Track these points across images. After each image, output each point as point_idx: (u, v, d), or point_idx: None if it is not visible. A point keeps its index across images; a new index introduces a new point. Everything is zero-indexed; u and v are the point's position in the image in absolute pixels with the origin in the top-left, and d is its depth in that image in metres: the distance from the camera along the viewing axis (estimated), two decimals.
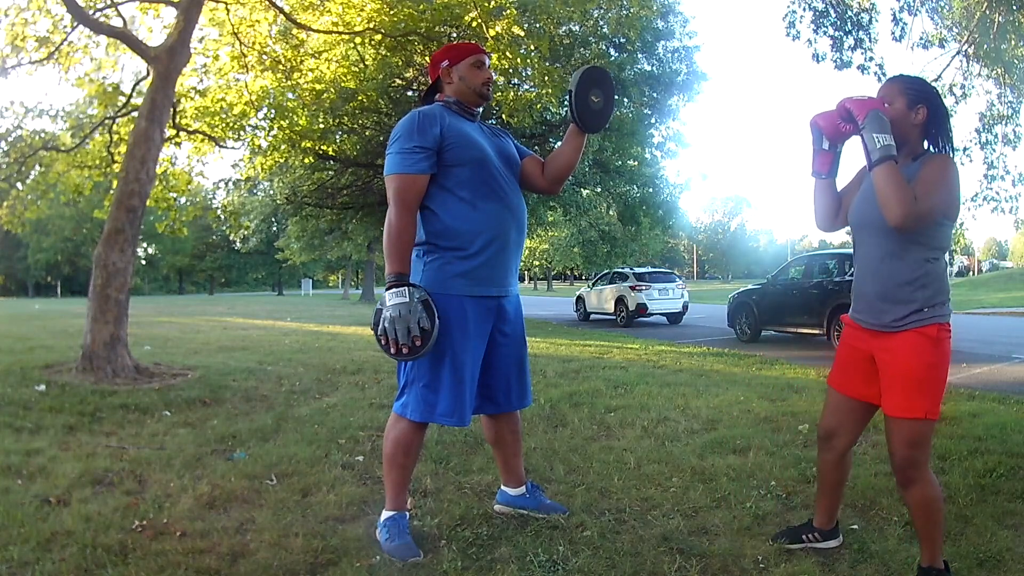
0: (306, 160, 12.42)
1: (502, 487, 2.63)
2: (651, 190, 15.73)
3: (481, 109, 2.48)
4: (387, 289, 2.14)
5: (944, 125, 1.97)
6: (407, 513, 2.34)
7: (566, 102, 2.39)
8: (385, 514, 2.30)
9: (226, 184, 16.74)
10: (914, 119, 1.95)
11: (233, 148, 11.00)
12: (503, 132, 2.57)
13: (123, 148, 7.97)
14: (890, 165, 1.82)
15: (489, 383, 2.39)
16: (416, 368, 2.25)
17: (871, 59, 6.94)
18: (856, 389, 2.08)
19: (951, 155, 1.96)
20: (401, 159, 2.21)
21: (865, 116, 1.87)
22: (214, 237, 57.09)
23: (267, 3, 8.39)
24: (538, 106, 9.61)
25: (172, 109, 7.47)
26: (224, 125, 9.41)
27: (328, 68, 10.74)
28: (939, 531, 1.97)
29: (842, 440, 2.15)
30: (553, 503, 2.61)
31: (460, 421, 2.25)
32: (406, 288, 2.12)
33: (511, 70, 8.31)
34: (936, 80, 7.36)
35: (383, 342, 2.13)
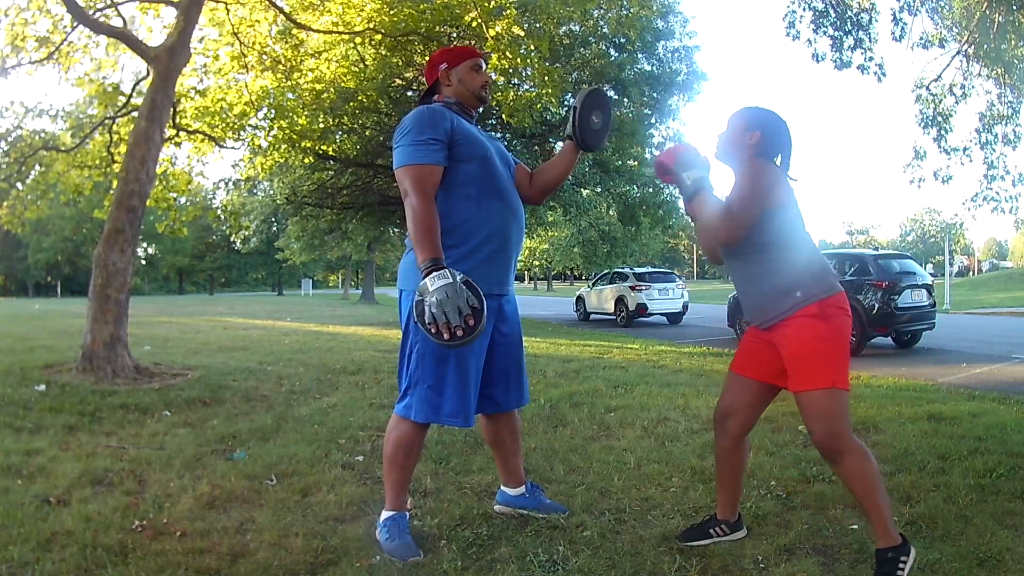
0: (306, 160, 12.41)
1: (502, 487, 2.63)
2: (651, 190, 15.70)
3: (479, 112, 2.50)
4: (425, 276, 2.05)
5: (778, 147, 2.19)
6: (407, 513, 2.34)
7: (569, 119, 2.41)
8: (385, 514, 2.30)
9: (226, 184, 16.72)
10: (749, 140, 2.17)
11: (233, 148, 11.01)
12: (494, 137, 2.60)
13: (123, 148, 7.97)
14: (700, 196, 2.11)
15: (489, 383, 2.39)
16: (420, 369, 2.24)
17: (871, 59, 6.94)
18: (754, 370, 2.21)
19: (784, 169, 2.18)
20: (415, 150, 2.19)
21: (674, 162, 2.17)
22: (214, 237, 57.09)
23: (267, 3, 8.38)
24: (538, 106, 9.60)
25: (172, 109, 7.47)
26: (224, 125, 9.40)
27: (328, 68, 10.73)
28: (884, 503, 1.97)
29: (737, 422, 2.23)
30: (553, 503, 2.61)
31: (465, 422, 2.25)
32: (447, 270, 2.04)
33: (511, 70, 8.30)
34: (936, 80, 7.36)
35: (433, 330, 2.02)
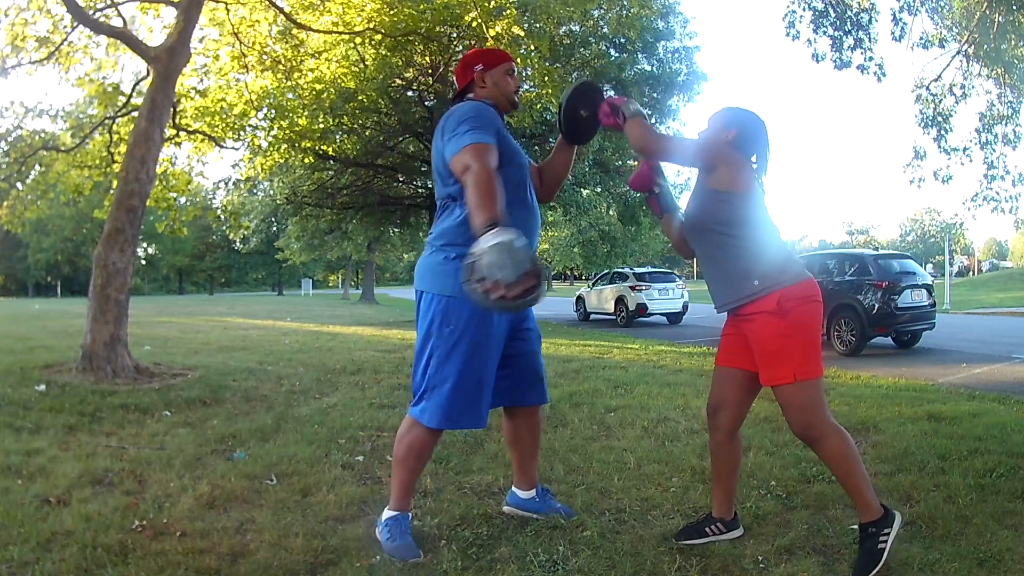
0: (306, 160, 12.42)
1: (513, 488, 2.61)
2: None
3: (508, 116, 2.52)
4: (481, 235, 1.85)
5: (754, 146, 2.26)
6: (409, 514, 2.34)
7: (558, 116, 2.48)
8: (387, 513, 2.30)
9: (226, 184, 16.72)
10: (725, 138, 2.24)
11: (233, 148, 10.99)
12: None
13: (123, 148, 7.97)
14: (636, 118, 2.25)
15: (506, 376, 2.38)
16: (440, 375, 2.22)
17: (871, 59, 6.94)
18: (736, 360, 2.25)
19: (760, 174, 2.25)
20: (479, 133, 2.11)
21: (623, 102, 2.31)
22: (214, 237, 57.08)
23: (267, 3, 8.39)
24: (538, 106, 9.62)
25: (172, 109, 7.47)
26: (224, 125, 9.41)
27: (328, 68, 10.74)
28: (863, 479, 2.06)
29: (728, 414, 2.26)
30: (563, 507, 2.58)
31: (477, 423, 2.26)
32: (505, 228, 1.84)
33: None
34: (936, 80, 7.36)
35: (486, 287, 1.76)
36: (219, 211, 20.62)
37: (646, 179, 2.48)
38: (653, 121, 15.32)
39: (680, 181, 17.44)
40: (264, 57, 8.92)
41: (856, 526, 2.39)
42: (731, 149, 2.19)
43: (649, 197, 2.54)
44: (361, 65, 11.32)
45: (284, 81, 9.51)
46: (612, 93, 14.46)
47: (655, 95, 14.75)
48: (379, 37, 9.02)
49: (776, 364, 2.05)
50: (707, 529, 2.31)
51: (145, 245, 50.86)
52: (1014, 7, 6.44)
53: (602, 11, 13.20)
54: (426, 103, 13.94)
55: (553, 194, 2.62)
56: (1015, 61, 6.94)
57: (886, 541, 2.00)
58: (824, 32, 6.95)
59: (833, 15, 6.88)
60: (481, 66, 2.41)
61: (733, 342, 2.26)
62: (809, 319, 2.07)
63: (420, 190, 16.49)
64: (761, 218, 2.16)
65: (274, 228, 31.00)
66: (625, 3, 12.74)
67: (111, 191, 7.67)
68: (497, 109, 2.40)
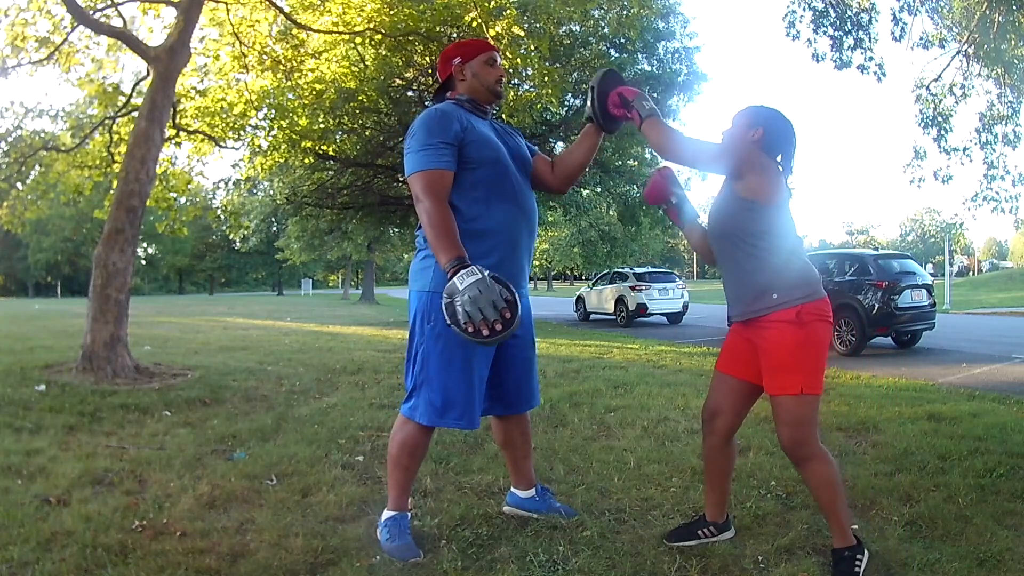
0: (306, 160, 12.41)
1: (512, 489, 2.61)
2: None
3: (494, 108, 2.44)
4: (452, 276, 1.98)
5: (780, 146, 2.20)
6: (408, 514, 2.34)
7: (588, 101, 2.33)
8: (386, 514, 2.30)
9: (226, 184, 16.71)
10: (751, 137, 2.17)
11: (233, 148, 10.99)
12: (514, 130, 2.53)
13: (123, 148, 7.97)
14: (654, 119, 2.15)
15: (499, 384, 2.37)
16: (426, 371, 2.22)
17: (871, 59, 6.94)
18: (738, 369, 2.21)
19: (786, 174, 2.19)
20: (426, 156, 2.15)
21: (633, 96, 2.21)
22: (214, 237, 57.09)
23: (267, 3, 8.39)
24: (538, 106, 9.61)
25: (172, 109, 7.47)
26: (224, 125, 9.41)
27: (328, 68, 10.74)
28: (843, 508, 2.08)
29: (724, 421, 2.24)
30: (563, 507, 2.58)
31: (470, 424, 2.23)
32: (473, 267, 1.98)
33: (511, 70, 8.31)
34: (936, 80, 7.36)
35: (470, 329, 1.94)
36: (219, 211, 20.64)
37: (661, 190, 2.40)
38: None
39: (681, 181, 17.43)
40: (264, 57, 8.92)
41: (855, 526, 2.40)
42: (759, 153, 2.12)
43: (667, 209, 2.44)
44: (361, 65, 11.31)
45: (284, 81, 9.50)
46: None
47: (655, 95, 14.70)
48: (379, 37, 9.01)
49: (786, 374, 2.02)
50: (699, 532, 2.30)
51: (145, 245, 50.88)
52: (1014, 7, 6.44)
53: (602, 11, 13.18)
54: (426, 103, 13.91)
55: (569, 186, 2.54)
56: (1015, 61, 6.94)
57: (860, 564, 2.03)
58: (824, 32, 6.95)
59: (833, 15, 6.88)
60: (459, 59, 2.36)
61: (738, 349, 2.21)
62: (822, 336, 2.05)
63: None
64: (788, 229, 2.11)
65: (274, 228, 31.03)
66: (625, 3, 12.73)
67: (111, 191, 7.67)
68: (476, 103, 2.35)
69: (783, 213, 2.11)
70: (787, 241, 2.11)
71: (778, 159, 2.20)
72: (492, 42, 7.70)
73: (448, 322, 1.98)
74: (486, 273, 1.97)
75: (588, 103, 2.33)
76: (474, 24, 7.87)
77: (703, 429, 2.31)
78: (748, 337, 2.16)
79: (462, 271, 1.97)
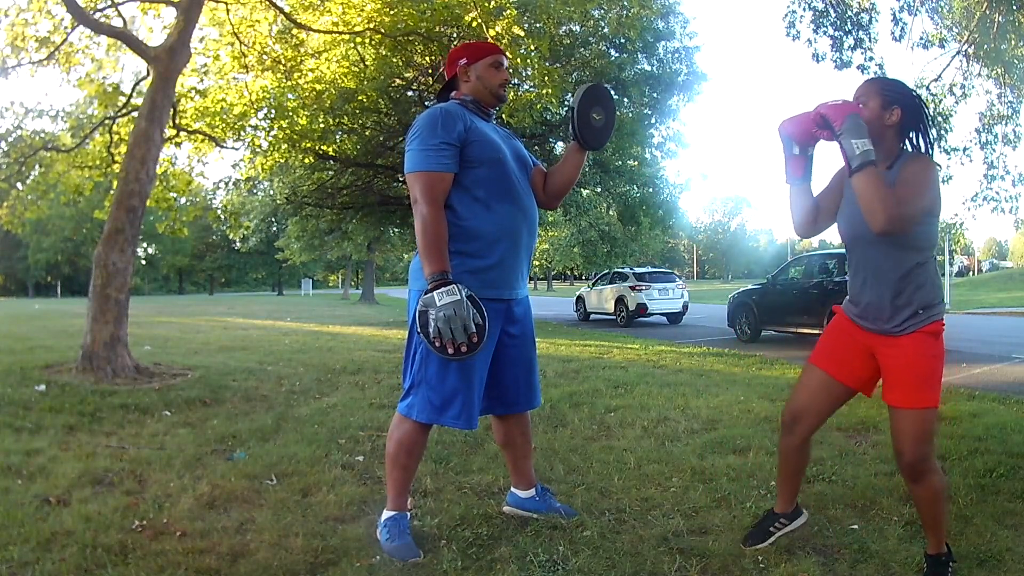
0: (306, 160, 12.42)
1: (512, 489, 2.61)
2: (651, 190, 15.70)
3: (496, 110, 2.46)
4: (432, 289, 2.06)
5: (921, 126, 2.00)
6: (408, 513, 2.34)
7: (568, 118, 2.37)
8: (386, 514, 2.30)
9: (226, 184, 16.70)
10: (888, 119, 1.96)
11: (233, 148, 11.00)
12: (514, 135, 2.55)
13: (123, 148, 7.97)
14: (870, 171, 1.82)
15: (499, 384, 2.37)
16: (424, 369, 2.22)
17: (871, 59, 6.95)
18: (842, 371, 2.09)
19: (930, 155, 1.99)
20: (426, 155, 2.16)
21: (842, 122, 1.86)
22: (214, 237, 57.12)
23: (267, 3, 8.39)
24: (538, 106, 9.61)
25: (172, 109, 7.47)
26: (224, 125, 9.41)
27: (328, 68, 10.74)
28: (946, 518, 2.05)
29: (807, 423, 2.16)
30: (563, 507, 2.58)
31: (468, 423, 2.22)
32: (454, 286, 2.06)
33: (511, 70, 8.30)
34: (936, 80, 7.37)
35: (437, 344, 2.06)
36: (219, 211, 20.60)
37: (806, 129, 2.00)
38: (653, 120, 15.31)
39: (681, 181, 17.42)
40: (264, 57, 8.93)
41: (856, 526, 2.40)
42: (936, 182, 1.88)
43: (797, 155, 2.07)
44: (361, 65, 11.31)
45: (284, 81, 9.51)
46: (612, 93, 14.42)
47: (655, 95, 14.72)
48: (379, 37, 9.02)
49: (925, 387, 1.93)
50: (771, 528, 2.28)
51: (145, 245, 50.84)
52: (1014, 7, 6.44)
53: (602, 11, 13.18)
54: (426, 103, 13.91)
55: (557, 203, 2.53)
56: (1015, 61, 6.95)
57: (952, 570, 2.04)
58: (824, 32, 6.96)
59: (833, 15, 6.89)
60: (465, 60, 2.38)
61: (846, 350, 2.08)
62: (943, 352, 2.02)
63: None
64: (936, 243, 2.00)
65: (274, 228, 30.99)
66: (625, 3, 12.73)
67: (111, 191, 7.67)
68: (479, 104, 2.37)
69: (937, 222, 1.98)
70: (934, 253, 2.01)
71: (912, 138, 2.00)
72: (492, 42, 7.73)
73: (419, 330, 2.10)
74: (464, 293, 2.06)
75: (570, 122, 2.35)
76: (474, 24, 7.87)
77: (782, 430, 2.23)
78: (869, 344, 2.04)
79: (443, 288, 2.05)
